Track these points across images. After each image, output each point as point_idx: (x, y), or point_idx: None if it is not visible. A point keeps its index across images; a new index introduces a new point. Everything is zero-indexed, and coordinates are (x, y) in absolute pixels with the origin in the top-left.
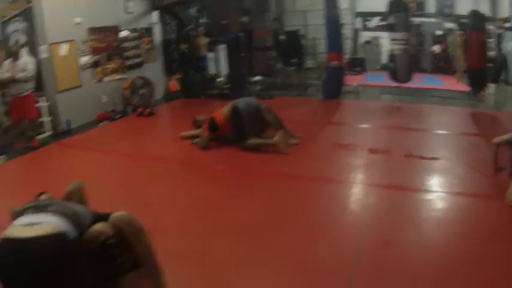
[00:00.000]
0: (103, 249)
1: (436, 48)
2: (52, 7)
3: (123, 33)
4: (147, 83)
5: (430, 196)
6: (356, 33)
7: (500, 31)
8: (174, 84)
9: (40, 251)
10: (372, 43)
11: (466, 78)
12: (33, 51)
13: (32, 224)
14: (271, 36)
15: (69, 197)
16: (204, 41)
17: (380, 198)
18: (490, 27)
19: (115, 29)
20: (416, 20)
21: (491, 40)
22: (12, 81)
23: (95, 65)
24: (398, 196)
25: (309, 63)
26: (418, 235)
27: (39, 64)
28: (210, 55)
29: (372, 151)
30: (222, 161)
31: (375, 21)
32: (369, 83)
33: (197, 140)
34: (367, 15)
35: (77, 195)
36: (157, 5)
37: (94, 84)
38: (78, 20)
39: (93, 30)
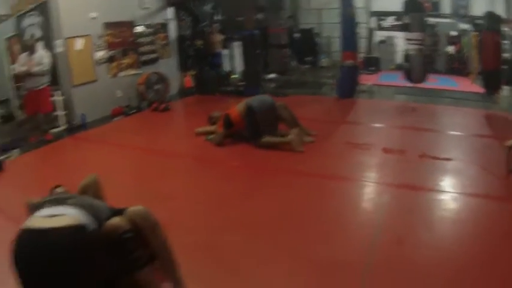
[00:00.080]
0: (120, 243)
1: (451, 49)
2: (68, 1)
3: (139, 29)
4: (162, 79)
5: (443, 196)
6: (371, 32)
7: None
8: (189, 80)
9: (59, 242)
10: (386, 42)
11: (480, 79)
12: (49, 46)
13: (52, 216)
14: (287, 34)
15: (84, 191)
16: (218, 37)
17: (393, 197)
18: (506, 28)
19: (130, 24)
20: (431, 20)
21: (506, 42)
22: (28, 75)
23: (110, 59)
24: (412, 196)
25: (324, 61)
26: (431, 235)
27: (54, 58)
28: (225, 52)
29: (386, 151)
30: (236, 158)
31: (390, 21)
32: (383, 83)
33: (212, 136)
34: (381, 15)
35: (92, 189)
36: (172, 1)
37: (109, 79)
38: (93, 14)
39: (108, 25)
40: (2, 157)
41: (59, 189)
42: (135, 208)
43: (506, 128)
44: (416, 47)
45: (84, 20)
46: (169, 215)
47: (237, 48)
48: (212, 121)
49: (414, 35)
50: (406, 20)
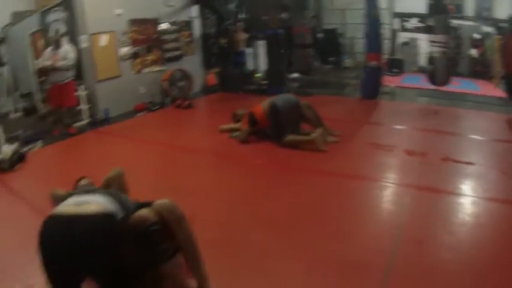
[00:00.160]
0: (147, 235)
1: (474, 52)
2: None
3: (163, 26)
4: (186, 76)
5: (464, 200)
6: (394, 33)
7: None
8: (212, 78)
9: (87, 229)
10: (409, 44)
11: (503, 84)
12: (73, 41)
13: (81, 203)
14: (311, 33)
15: (109, 184)
16: (242, 36)
17: (415, 199)
18: None
19: (155, 22)
20: (455, 22)
21: None
22: (53, 69)
23: (134, 56)
24: (433, 198)
25: (347, 62)
26: (451, 238)
27: (79, 53)
28: (249, 51)
29: (408, 152)
30: (260, 155)
31: (413, 22)
32: (406, 85)
33: (236, 133)
34: (405, 16)
35: (117, 182)
36: None
37: (133, 75)
38: (118, 11)
39: (133, 22)
40: (24, 148)
41: (83, 181)
42: (162, 201)
43: None
44: (440, 49)
45: (109, 17)
46: (191, 210)
47: (260, 47)
48: (236, 119)
49: (438, 37)
50: (431, 22)
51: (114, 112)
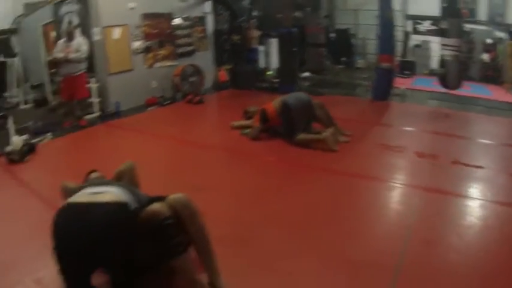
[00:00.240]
0: (160, 228)
1: (485, 56)
2: None
3: (176, 21)
4: (197, 71)
5: (472, 203)
6: (406, 36)
7: None
8: (224, 75)
9: (102, 216)
10: (421, 47)
11: None
12: (86, 33)
13: (96, 193)
14: (324, 33)
15: (120, 177)
16: (255, 33)
17: (425, 201)
18: None
19: (168, 16)
20: (467, 26)
21: None
22: (66, 61)
23: (146, 50)
24: (443, 200)
25: (359, 62)
26: (459, 239)
27: (91, 46)
28: (261, 48)
29: (419, 154)
30: (270, 153)
31: (426, 25)
32: (417, 87)
33: (248, 130)
34: (418, 19)
35: (128, 176)
36: None
37: (145, 69)
38: (132, 5)
39: (146, 16)
40: (35, 140)
41: (94, 174)
42: (176, 195)
43: None
44: (452, 53)
45: (123, 10)
46: (201, 206)
47: (272, 44)
48: (248, 115)
49: (451, 40)
50: (444, 25)
51: (125, 106)
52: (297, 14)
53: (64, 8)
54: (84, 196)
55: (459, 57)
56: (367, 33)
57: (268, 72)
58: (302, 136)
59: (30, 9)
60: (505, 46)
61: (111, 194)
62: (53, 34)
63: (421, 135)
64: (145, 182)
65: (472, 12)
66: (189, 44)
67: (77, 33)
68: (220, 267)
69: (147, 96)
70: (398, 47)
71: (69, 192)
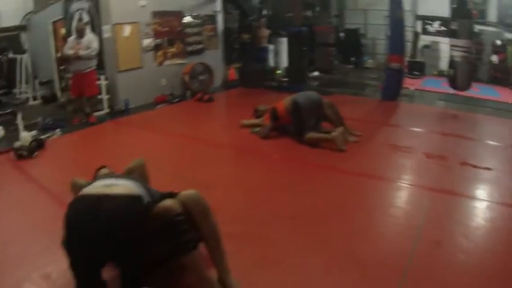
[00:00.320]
0: (171, 225)
1: (494, 58)
2: None
3: (187, 19)
4: (207, 70)
5: (480, 204)
6: (416, 36)
7: None
8: (233, 73)
9: (115, 208)
10: (431, 47)
11: None
12: (96, 31)
13: (109, 185)
14: (334, 32)
15: (130, 174)
16: (265, 32)
17: (433, 201)
18: None
19: (179, 14)
20: (477, 27)
21: None
22: (76, 58)
23: (156, 48)
24: (451, 201)
25: (369, 62)
26: (467, 241)
27: (101, 43)
28: (270, 47)
29: (427, 155)
30: (279, 151)
31: (435, 26)
32: (426, 88)
33: (258, 129)
34: (428, 19)
35: (138, 173)
36: None
37: (154, 67)
38: (143, 2)
39: (157, 14)
40: (44, 136)
41: (103, 171)
42: (187, 192)
43: None
44: (462, 54)
45: (133, 7)
46: (211, 203)
47: (282, 44)
48: (258, 114)
49: (461, 42)
50: (454, 26)
51: (134, 103)
52: (307, 13)
53: (75, 5)
54: (97, 188)
55: (469, 59)
56: (377, 33)
57: (278, 71)
58: (311, 135)
59: (40, 5)
60: None
61: (124, 186)
62: (62, 31)
63: (429, 136)
64: (155, 179)
65: (482, 14)
66: (199, 42)
67: (88, 30)
68: (230, 265)
69: (156, 94)
70: (408, 48)
71: (79, 188)
